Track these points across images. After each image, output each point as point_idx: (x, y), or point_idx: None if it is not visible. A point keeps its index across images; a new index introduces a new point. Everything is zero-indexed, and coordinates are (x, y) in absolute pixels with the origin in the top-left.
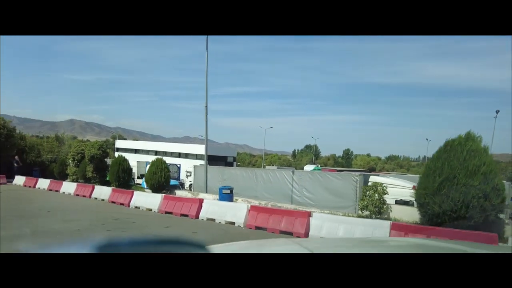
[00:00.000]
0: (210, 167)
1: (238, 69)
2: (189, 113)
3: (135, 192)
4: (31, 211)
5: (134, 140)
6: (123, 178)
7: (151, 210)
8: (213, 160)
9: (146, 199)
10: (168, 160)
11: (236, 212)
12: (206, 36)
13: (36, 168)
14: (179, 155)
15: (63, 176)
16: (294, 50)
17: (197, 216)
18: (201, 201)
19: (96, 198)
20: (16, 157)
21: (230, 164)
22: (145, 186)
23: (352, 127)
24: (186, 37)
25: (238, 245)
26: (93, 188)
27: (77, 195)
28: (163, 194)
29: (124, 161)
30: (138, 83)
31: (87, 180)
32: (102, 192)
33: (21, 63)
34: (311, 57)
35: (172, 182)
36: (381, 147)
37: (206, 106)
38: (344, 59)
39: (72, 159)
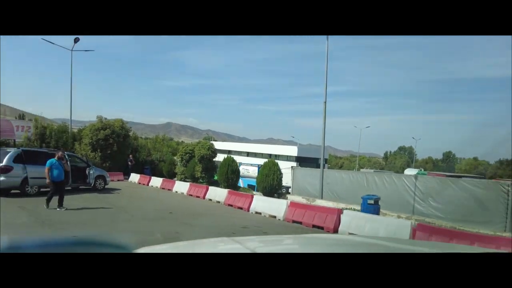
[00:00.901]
0: (309, 169)
1: (319, 69)
2: (272, 115)
3: (255, 197)
4: (154, 212)
5: (223, 142)
6: (231, 179)
7: (275, 217)
8: (304, 161)
9: (269, 205)
10: (259, 161)
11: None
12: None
13: (147, 166)
14: (270, 156)
15: (171, 175)
16: (376, 47)
17: (335, 230)
18: (339, 212)
19: (210, 200)
20: (130, 156)
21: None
22: (256, 189)
23: (449, 127)
24: (268, 41)
25: (169, 245)
26: (207, 189)
27: (190, 195)
28: (288, 201)
29: (233, 162)
30: (227, 87)
31: (195, 179)
32: (217, 193)
33: (128, 71)
34: (395, 53)
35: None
36: (486, 151)
37: (325, 102)
38: (443, 52)
39: (180, 158)
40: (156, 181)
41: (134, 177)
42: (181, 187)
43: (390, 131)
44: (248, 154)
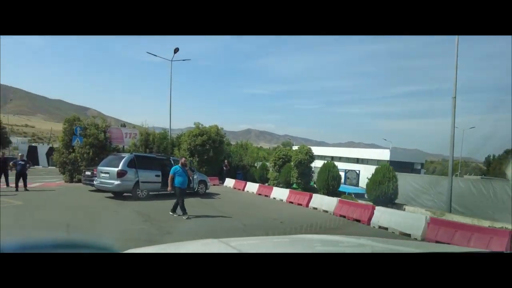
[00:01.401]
0: (413, 175)
1: (403, 67)
2: (352, 117)
3: (377, 208)
4: (264, 221)
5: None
6: (332, 186)
7: (409, 235)
8: (399, 166)
9: (400, 220)
10: (346, 166)
11: None
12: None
13: (239, 171)
14: (357, 160)
15: (263, 180)
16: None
17: None
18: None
19: (315, 208)
20: (225, 161)
21: (417, 172)
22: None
23: None
24: (350, 41)
25: (157, 247)
26: (311, 196)
27: (291, 202)
28: (427, 216)
29: (334, 167)
30: (306, 91)
31: (289, 185)
32: (324, 201)
33: (214, 81)
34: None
35: (351, 189)
36: None
37: (454, 97)
38: None
39: (273, 164)
40: (252, 187)
41: (229, 182)
42: (280, 193)
43: (491, 133)
44: (332, 158)
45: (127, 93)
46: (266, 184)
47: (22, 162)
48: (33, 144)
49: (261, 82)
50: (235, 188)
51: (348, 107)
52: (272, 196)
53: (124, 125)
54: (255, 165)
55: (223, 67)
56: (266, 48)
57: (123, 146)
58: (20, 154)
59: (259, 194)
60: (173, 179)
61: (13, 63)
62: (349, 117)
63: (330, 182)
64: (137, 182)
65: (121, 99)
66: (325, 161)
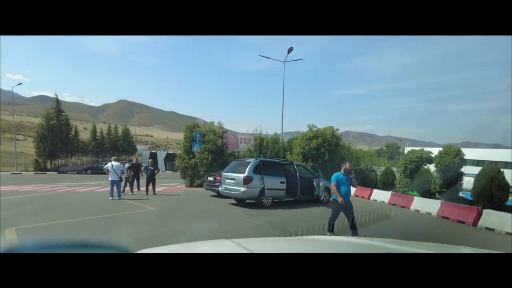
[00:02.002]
0: None
1: None
2: (466, 114)
3: (484, 210)
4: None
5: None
6: (498, 198)
7: None
8: None
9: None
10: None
11: None
12: None
13: (357, 177)
14: (491, 163)
15: (387, 187)
16: None
17: None
18: None
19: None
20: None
21: None
22: None
23: None
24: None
25: (168, 247)
26: (479, 212)
27: (445, 217)
28: None
29: (499, 173)
30: (409, 88)
31: (428, 194)
32: (495, 221)
33: (310, 84)
34: None
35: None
36: None
37: None
38: None
39: (403, 168)
40: (380, 195)
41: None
42: (424, 204)
43: None
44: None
45: (230, 102)
46: (392, 191)
47: (152, 168)
48: (153, 151)
49: (357, 82)
50: (356, 195)
51: (459, 104)
52: (413, 207)
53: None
54: (374, 169)
55: (318, 69)
56: (362, 48)
57: (238, 152)
58: (149, 160)
59: (393, 204)
60: (337, 188)
61: (136, 82)
62: (461, 114)
63: (494, 193)
64: (263, 189)
65: (225, 108)
66: (484, 165)
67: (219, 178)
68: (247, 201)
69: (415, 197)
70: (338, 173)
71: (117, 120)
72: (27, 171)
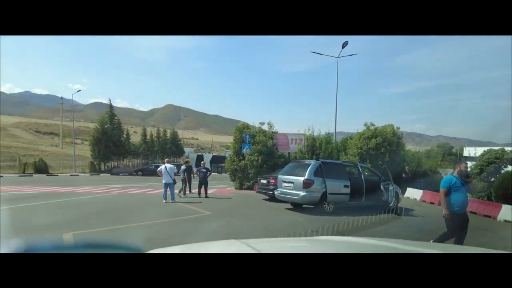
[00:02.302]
0: None
1: None
2: None
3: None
4: None
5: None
6: None
7: None
8: None
9: None
10: None
11: None
12: None
13: (420, 180)
14: None
15: None
16: None
17: None
18: None
19: None
20: (406, 167)
21: None
22: None
23: None
24: None
25: (179, 247)
26: None
27: None
28: None
29: None
30: (465, 84)
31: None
32: None
33: (354, 83)
34: None
35: None
36: None
37: None
38: None
39: (479, 170)
40: None
41: (411, 193)
42: None
43: None
44: None
45: (273, 104)
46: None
47: (204, 170)
48: (199, 153)
49: (405, 79)
50: (423, 201)
51: None
52: (500, 217)
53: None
54: (439, 171)
55: (363, 68)
56: (411, 43)
57: (289, 153)
58: (202, 162)
59: (472, 213)
60: (446, 196)
61: (182, 86)
62: None
63: None
64: (325, 193)
65: (268, 110)
66: None
67: (273, 181)
68: (304, 206)
69: (503, 205)
70: (450, 176)
71: (165, 124)
72: (84, 172)
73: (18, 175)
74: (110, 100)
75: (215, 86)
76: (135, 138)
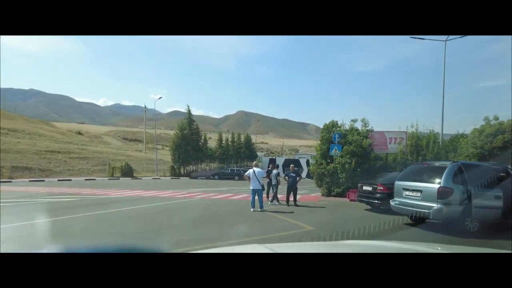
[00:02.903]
0: None
1: None
2: None
3: None
4: None
5: None
6: None
7: None
8: None
9: None
10: None
11: None
12: None
13: None
14: None
15: None
16: None
17: None
18: None
19: None
20: None
21: None
22: None
23: None
24: None
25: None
26: None
27: None
28: None
29: None
30: None
31: None
32: None
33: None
34: None
35: None
36: None
37: None
38: None
39: None
40: None
41: None
42: None
43: None
44: None
45: (345, 105)
46: None
47: (293, 174)
48: (272, 157)
49: (497, 71)
50: None
51: None
52: None
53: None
54: None
55: (447, 62)
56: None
57: (387, 155)
58: (291, 165)
59: None
60: None
61: (252, 93)
62: None
63: None
64: (468, 206)
65: (337, 112)
66: None
67: (382, 188)
68: (427, 220)
69: None
70: None
71: (236, 130)
72: (165, 176)
73: (107, 178)
74: (188, 106)
75: (283, 91)
76: (210, 143)
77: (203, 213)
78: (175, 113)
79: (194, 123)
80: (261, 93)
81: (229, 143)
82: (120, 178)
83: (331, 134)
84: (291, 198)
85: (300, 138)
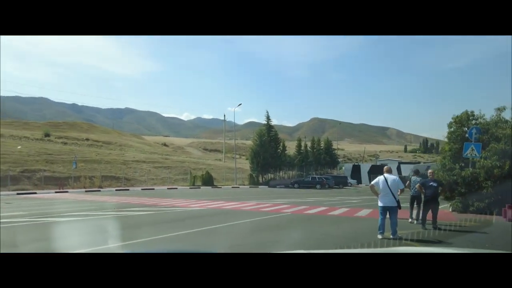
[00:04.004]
0: None
1: None
2: None
3: None
4: None
5: None
6: None
7: None
8: None
9: None
10: None
11: None
12: None
13: None
14: None
15: None
16: None
17: None
18: None
19: None
20: None
21: None
22: None
23: None
24: None
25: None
26: None
27: None
28: None
29: None
30: None
31: None
32: None
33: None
34: None
35: None
36: None
37: None
38: None
39: None
40: None
41: None
42: None
43: None
44: None
45: (426, 107)
46: None
47: (435, 184)
48: (355, 164)
49: None
50: None
51: None
52: None
53: (425, 141)
54: None
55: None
56: None
57: None
58: (430, 171)
59: None
60: None
61: (326, 99)
62: None
63: None
64: None
65: (422, 116)
66: None
67: None
68: None
69: None
70: None
71: (310, 137)
72: (244, 184)
73: (189, 187)
74: (267, 112)
75: (359, 94)
76: (287, 151)
77: (312, 235)
78: (251, 124)
79: (273, 130)
80: (336, 98)
81: (308, 149)
82: (201, 187)
83: (465, 129)
84: (429, 217)
85: (379, 143)
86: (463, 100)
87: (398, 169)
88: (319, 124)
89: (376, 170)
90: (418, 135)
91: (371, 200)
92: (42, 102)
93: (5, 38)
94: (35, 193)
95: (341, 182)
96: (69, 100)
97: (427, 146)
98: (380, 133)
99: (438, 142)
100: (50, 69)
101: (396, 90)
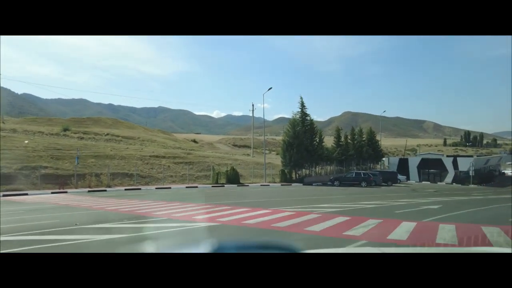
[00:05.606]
0: None
1: None
2: None
3: None
4: None
5: None
6: None
7: None
8: None
9: None
10: None
11: None
12: None
13: None
14: None
15: None
16: None
17: None
18: None
19: None
20: None
21: None
22: None
23: None
24: None
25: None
26: None
27: None
28: None
29: None
30: None
31: None
32: None
33: None
34: None
35: None
36: None
37: None
38: None
39: None
40: None
41: None
42: None
43: None
44: None
45: (460, 99)
46: None
47: None
48: (403, 157)
49: None
50: None
51: None
52: None
53: (468, 133)
54: None
55: None
56: None
57: None
58: None
59: None
60: None
61: (359, 92)
62: None
63: None
64: None
65: (452, 106)
66: None
67: None
68: None
69: None
70: None
71: (342, 131)
72: (274, 182)
73: (211, 185)
74: (301, 97)
75: (394, 87)
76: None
77: None
78: (281, 120)
79: (308, 118)
80: (369, 91)
81: (349, 141)
82: (225, 185)
83: None
84: None
85: (415, 137)
86: (508, 90)
87: (454, 163)
88: (351, 118)
89: (427, 165)
90: (457, 127)
91: (453, 202)
92: (81, 103)
93: (52, 45)
94: (26, 194)
95: (389, 179)
96: (106, 101)
97: (469, 139)
98: (416, 127)
99: (482, 134)
100: (89, 72)
101: (434, 82)
